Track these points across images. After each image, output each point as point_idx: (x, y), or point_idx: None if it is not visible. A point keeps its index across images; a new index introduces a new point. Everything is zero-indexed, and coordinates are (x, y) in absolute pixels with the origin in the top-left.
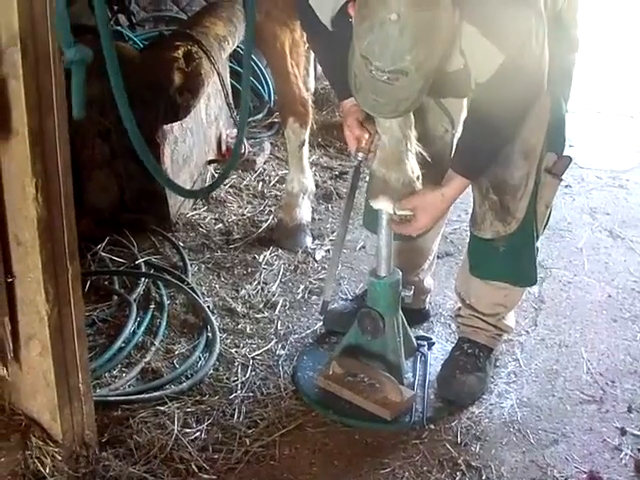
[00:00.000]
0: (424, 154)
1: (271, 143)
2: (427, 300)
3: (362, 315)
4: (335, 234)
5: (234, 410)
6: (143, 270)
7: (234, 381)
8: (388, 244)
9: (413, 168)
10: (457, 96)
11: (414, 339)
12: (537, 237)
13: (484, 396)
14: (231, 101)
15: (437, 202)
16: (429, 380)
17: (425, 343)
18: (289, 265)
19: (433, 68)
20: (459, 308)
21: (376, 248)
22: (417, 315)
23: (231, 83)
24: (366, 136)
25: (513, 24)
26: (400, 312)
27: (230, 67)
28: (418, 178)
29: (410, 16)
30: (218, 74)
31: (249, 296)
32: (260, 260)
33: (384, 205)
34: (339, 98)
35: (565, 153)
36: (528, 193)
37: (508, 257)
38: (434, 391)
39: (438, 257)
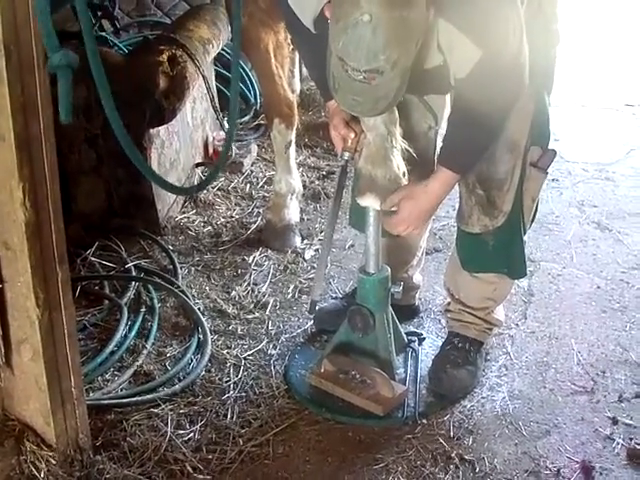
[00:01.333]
0: (410, 150)
1: (258, 145)
2: (416, 296)
3: (352, 312)
4: (323, 233)
5: (227, 410)
6: (133, 274)
7: (226, 382)
8: (376, 241)
9: (399, 164)
10: (439, 93)
11: (404, 335)
12: (525, 231)
13: (476, 390)
14: (217, 104)
15: (420, 192)
16: (420, 375)
17: (415, 338)
18: (279, 265)
19: (409, 66)
20: (448, 303)
21: (364, 245)
22: (407, 311)
23: (216, 86)
24: (352, 135)
25: (489, 19)
26: (390, 308)
27: (215, 70)
28: (404, 174)
29: (382, 16)
30: (203, 77)
31: (239, 297)
32: (250, 261)
33: (371, 202)
34: (325, 99)
35: (550, 147)
36: (514, 187)
37: (498, 250)
38: (426, 386)
39: (427, 253)
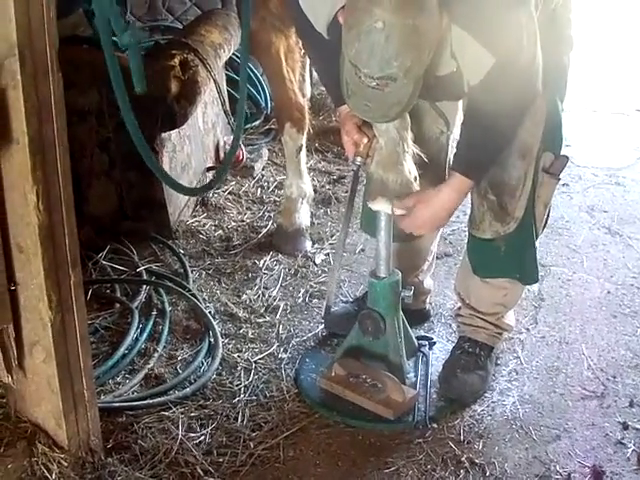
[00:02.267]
0: (421, 155)
1: (269, 149)
2: (427, 300)
3: (363, 316)
4: (335, 238)
5: (238, 414)
6: (144, 277)
7: (237, 385)
8: (387, 245)
9: (410, 169)
10: (452, 99)
11: (415, 339)
12: (536, 236)
13: (486, 394)
14: (228, 108)
15: (432, 197)
16: (431, 379)
17: (426, 343)
18: (289, 269)
19: (422, 73)
20: (459, 308)
21: (375, 249)
22: (417, 315)
23: (228, 90)
24: (364, 140)
25: (503, 26)
26: (401, 312)
27: (226, 75)
28: (415, 179)
29: (395, 23)
30: (214, 82)
31: (250, 301)
32: (260, 265)
33: (382, 206)
34: (336, 104)
35: (562, 152)
36: (526, 193)
37: (510, 256)
38: (436, 390)
39: (437, 258)
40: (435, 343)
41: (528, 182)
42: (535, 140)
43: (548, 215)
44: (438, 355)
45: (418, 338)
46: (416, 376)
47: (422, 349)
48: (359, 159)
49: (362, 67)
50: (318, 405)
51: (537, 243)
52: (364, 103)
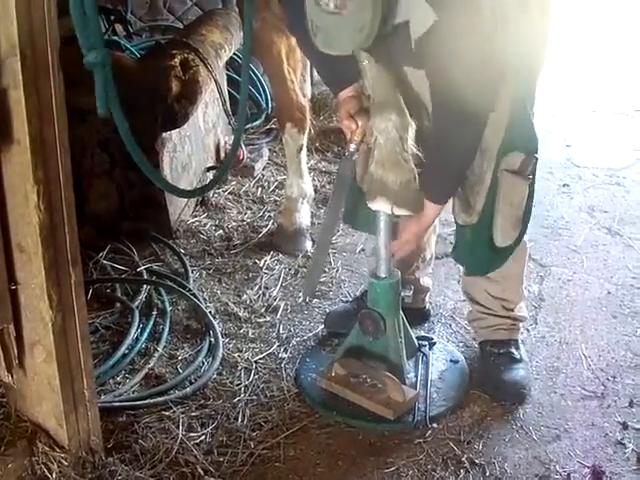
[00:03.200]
0: (420, 155)
1: (269, 149)
2: (426, 299)
3: (363, 316)
4: (335, 239)
5: (238, 413)
6: (145, 277)
7: (237, 385)
8: (387, 245)
9: (410, 169)
10: (410, 60)
11: (415, 339)
12: (496, 235)
13: (485, 394)
14: (229, 108)
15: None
16: (431, 379)
17: (426, 343)
18: (290, 269)
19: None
20: (470, 311)
21: (374, 249)
22: (417, 314)
23: (228, 91)
24: (353, 126)
25: None
26: (401, 312)
27: (227, 75)
28: (415, 179)
29: None
30: (215, 81)
31: (251, 301)
32: (261, 265)
33: (382, 206)
34: (334, 92)
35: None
36: (484, 189)
37: (467, 245)
38: (436, 390)
39: (437, 258)
40: (435, 343)
41: (487, 179)
42: (495, 139)
43: (527, 213)
44: (438, 355)
45: (418, 338)
46: (416, 376)
47: (422, 349)
48: (352, 146)
49: None
50: (318, 405)
51: (526, 238)
52: (329, 36)
